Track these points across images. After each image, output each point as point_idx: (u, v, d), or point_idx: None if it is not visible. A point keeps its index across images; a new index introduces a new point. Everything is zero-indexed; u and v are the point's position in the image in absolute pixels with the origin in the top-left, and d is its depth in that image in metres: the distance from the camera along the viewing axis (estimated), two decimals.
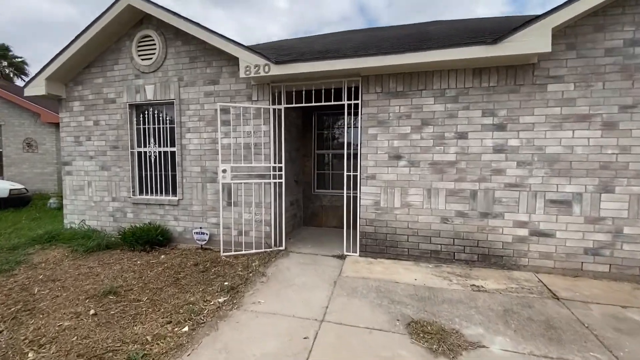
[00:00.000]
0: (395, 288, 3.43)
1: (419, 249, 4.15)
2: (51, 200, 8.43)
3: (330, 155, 6.34)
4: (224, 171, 4.35)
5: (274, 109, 4.58)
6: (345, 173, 4.44)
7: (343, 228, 5.99)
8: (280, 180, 4.66)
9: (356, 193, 5.59)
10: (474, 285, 3.52)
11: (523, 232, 3.83)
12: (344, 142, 6.28)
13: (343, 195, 5.98)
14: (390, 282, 3.57)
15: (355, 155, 5.66)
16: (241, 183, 4.62)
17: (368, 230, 4.33)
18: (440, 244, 4.09)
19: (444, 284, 3.55)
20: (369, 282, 3.57)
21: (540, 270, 3.82)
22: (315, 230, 6.03)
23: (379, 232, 4.29)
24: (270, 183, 4.63)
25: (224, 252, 4.51)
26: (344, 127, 6.25)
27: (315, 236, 5.61)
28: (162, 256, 4.54)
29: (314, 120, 6.23)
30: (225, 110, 4.70)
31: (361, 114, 4.26)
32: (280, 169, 4.69)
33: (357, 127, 5.74)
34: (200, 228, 4.95)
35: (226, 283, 3.56)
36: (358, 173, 4.33)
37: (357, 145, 5.54)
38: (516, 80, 3.74)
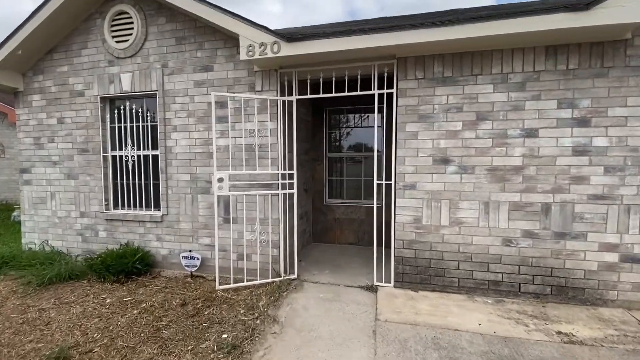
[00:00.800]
0: (459, 340, 2.50)
1: (473, 279, 3.24)
2: (15, 213, 7.29)
3: (345, 159, 5.41)
4: (220, 180, 3.37)
5: (284, 102, 3.64)
6: (375, 181, 3.50)
7: (360, 245, 5.07)
8: (291, 191, 3.70)
9: (381, 204, 4.67)
10: (560, 332, 2.61)
11: (612, 257, 2.95)
12: (361, 144, 5.37)
13: (360, 206, 5.06)
14: (448, 330, 2.63)
15: (381, 158, 4.75)
16: (242, 195, 3.64)
17: (406, 255, 3.40)
18: (502, 273, 3.18)
19: (520, 331, 2.63)
20: (420, 331, 2.62)
21: (633, 307, 2.94)
22: (328, 249, 5.07)
23: (420, 257, 3.36)
24: (278, 194, 3.67)
25: (220, 283, 3.51)
26: (361, 125, 5.33)
27: (330, 257, 4.65)
28: (141, 290, 3.52)
29: (325, 117, 5.30)
30: (221, 104, 3.73)
31: (397, 107, 3.34)
32: (291, 176, 3.74)
33: (380, 127, 4.86)
34: (190, 251, 3.95)
35: (225, 336, 2.58)
36: (393, 181, 3.41)
37: (381, 148, 4.70)
38: (604, 61, 2.88)
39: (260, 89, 3.66)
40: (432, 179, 3.28)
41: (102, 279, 3.72)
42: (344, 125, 5.43)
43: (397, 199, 3.39)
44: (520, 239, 3.11)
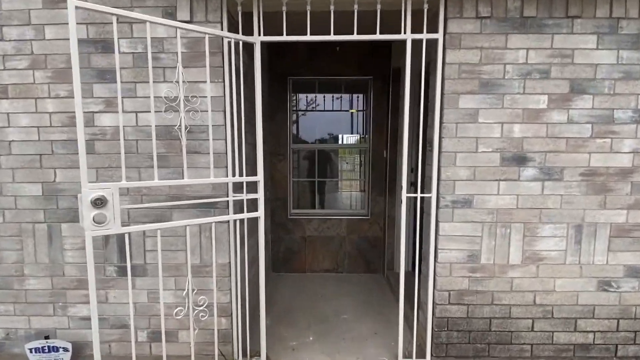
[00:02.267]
0: None
1: (553, 344, 2.08)
2: None
3: (318, 153, 3.87)
4: (99, 202, 1.51)
5: (238, 45, 1.90)
6: (404, 194, 2.04)
7: (340, 272, 3.63)
8: (253, 214, 2.02)
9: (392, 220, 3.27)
10: None
11: None
12: (342, 132, 3.89)
13: (340, 219, 3.62)
14: None
15: (387, 157, 3.36)
16: (155, 226, 1.83)
17: (453, 314, 2.07)
18: (593, 332, 2.08)
19: None
20: None
21: None
22: (297, 283, 3.51)
23: (476, 317, 2.07)
24: (228, 221, 1.98)
25: None
26: (342, 109, 3.83)
27: (305, 299, 3.11)
28: None
29: (289, 91, 3.64)
30: (104, 44, 1.85)
31: (443, 66, 1.93)
32: (253, 187, 2.05)
33: (370, 109, 3.39)
34: (47, 337, 2.01)
35: None
36: (433, 195, 2.02)
37: (369, 135, 3.23)
38: None
39: (188, 18, 1.88)
40: (498, 189, 1.99)
41: None
42: (316, 105, 3.86)
43: (439, 224, 2.02)
44: (623, 279, 2.04)
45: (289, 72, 3.53)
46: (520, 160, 1.96)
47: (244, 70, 1.94)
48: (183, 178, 1.71)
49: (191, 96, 1.91)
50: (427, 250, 2.09)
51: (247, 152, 2.23)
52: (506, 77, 1.92)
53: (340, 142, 3.91)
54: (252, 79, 2.02)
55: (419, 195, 2.02)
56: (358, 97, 3.99)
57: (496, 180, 1.98)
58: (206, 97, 1.77)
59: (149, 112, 1.69)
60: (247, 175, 2.01)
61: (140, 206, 1.89)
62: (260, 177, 1.97)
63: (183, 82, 1.76)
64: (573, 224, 2.00)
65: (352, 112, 4.20)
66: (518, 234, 2.01)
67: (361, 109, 4.12)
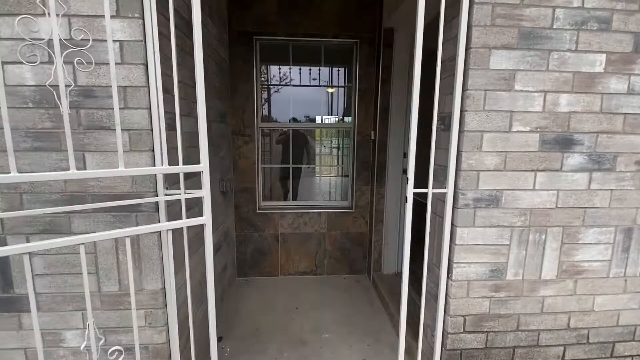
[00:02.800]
0: None
1: None
2: None
3: (292, 134, 3.22)
4: None
5: None
6: (410, 189, 1.48)
7: (320, 274, 3.05)
8: (196, 221, 1.38)
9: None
10: None
11: None
12: (320, 107, 3.27)
13: (319, 212, 3.07)
14: None
15: (380, 141, 2.79)
16: (43, 245, 1.15)
17: (469, 345, 1.59)
18: (631, 356, 1.69)
19: None
20: None
21: None
22: (268, 289, 2.95)
23: (495, 347, 1.60)
24: (159, 231, 1.34)
25: None
26: (327, 74, 3.18)
27: (276, 314, 2.55)
28: None
29: (256, 57, 2.92)
30: None
31: (470, 4, 1.35)
32: (190, 179, 1.41)
33: (352, 84, 2.79)
34: None
35: None
36: (449, 191, 1.47)
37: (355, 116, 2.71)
38: None
39: None
40: (534, 182, 1.48)
41: None
42: (290, 80, 3.18)
43: (456, 230, 1.49)
44: None
45: (256, 30, 2.81)
46: (565, 143, 1.46)
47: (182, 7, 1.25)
48: (86, 168, 1.05)
49: (92, 39, 1.21)
50: (437, 263, 1.58)
51: (186, 134, 1.57)
52: (554, 27, 1.38)
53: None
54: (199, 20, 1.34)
55: (430, 191, 1.47)
56: (339, 70, 3.37)
57: (532, 170, 1.47)
58: (116, 40, 1.08)
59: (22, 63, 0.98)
60: (188, 164, 1.36)
61: (18, 214, 1.20)
62: (204, 166, 1.32)
63: (71, 16, 1.05)
64: (622, 227, 1.55)
65: (331, 92, 3.61)
66: (555, 241, 1.53)
67: (343, 84, 3.52)
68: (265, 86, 3.19)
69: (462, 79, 1.39)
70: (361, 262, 3.21)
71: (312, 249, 3.16)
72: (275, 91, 3.32)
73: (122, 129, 1.19)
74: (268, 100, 3.41)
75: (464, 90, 1.40)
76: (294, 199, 3.31)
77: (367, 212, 3.13)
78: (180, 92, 1.28)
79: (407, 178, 1.45)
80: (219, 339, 2.17)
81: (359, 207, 3.12)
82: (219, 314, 2.46)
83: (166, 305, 1.46)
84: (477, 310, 1.56)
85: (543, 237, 1.52)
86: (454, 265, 1.52)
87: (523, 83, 1.40)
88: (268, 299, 2.76)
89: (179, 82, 1.26)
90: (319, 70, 3.18)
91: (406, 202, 1.47)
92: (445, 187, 1.48)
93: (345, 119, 3.45)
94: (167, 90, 1.40)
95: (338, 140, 3.67)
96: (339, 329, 2.34)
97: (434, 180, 1.47)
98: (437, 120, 1.50)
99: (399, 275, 2.95)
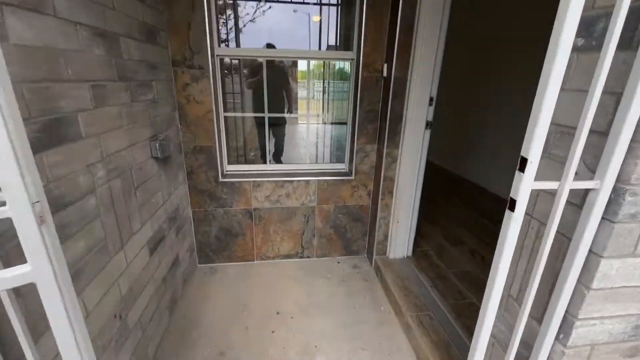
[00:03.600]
0: None
1: None
2: None
3: (265, 68, 2.22)
4: None
5: None
6: (528, 179, 0.68)
7: (308, 257, 2.34)
8: (15, 283, 0.55)
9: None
10: None
11: None
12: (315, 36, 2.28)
13: (308, 180, 2.27)
14: None
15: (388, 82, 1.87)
16: None
17: None
18: None
19: None
20: None
21: None
22: (239, 280, 2.23)
23: None
24: None
25: None
26: None
27: (248, 324, 1.87)
28: None
29: None
30: None
31: None
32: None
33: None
34: None
35: None
36: (606, 186, 0.68)
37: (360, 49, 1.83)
38: None
39: None
40: None
41: None
42: None
43: (599, 262, 0.73)
44: None
45: None
46: None
47: None
48: None
49: None
50: (518, 298, 0.85)
51: None
52: None
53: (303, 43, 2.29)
54: None
55: (568, 184, 0.67)
56: None
57: None
58: None
59: None
60: None
61: None
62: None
63: None
64: None
65: (318, 20, 2.64)
66: None
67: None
68: None
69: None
70: (360, 241, 2.52)
71: (297, 227, 2.41)
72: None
73: None
74: (233, 17, 2.37)
75: None
76: (275, 161, 2.45)
77: (371, 180, 2.34)
78: None
79: (522, 160, 0.64)
80: None
81: (360, 172, 2.31)
82: (167, 335, 1.75)
83: None
84: None
85: None
86: (577, 322, 0.80)
87: None
88: (239, 298, 2.05)
89: None
90: None
91: (509, 208, 0.68)
92: (594, 179, 0.68)
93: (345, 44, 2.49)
94: None
95: (332, 81, 2.73)
96: (337, 345, 1.70)
97: (546, 163, 0.66)
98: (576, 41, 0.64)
99: (409, 259, 2.30)
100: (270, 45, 2.32)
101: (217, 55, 2.01)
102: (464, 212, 3.22)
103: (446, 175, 4.41)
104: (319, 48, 2.67)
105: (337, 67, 2.83)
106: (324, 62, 2.80)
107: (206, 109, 2.01)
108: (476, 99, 3.81)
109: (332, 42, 2.66)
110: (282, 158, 3.14)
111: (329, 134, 2.88)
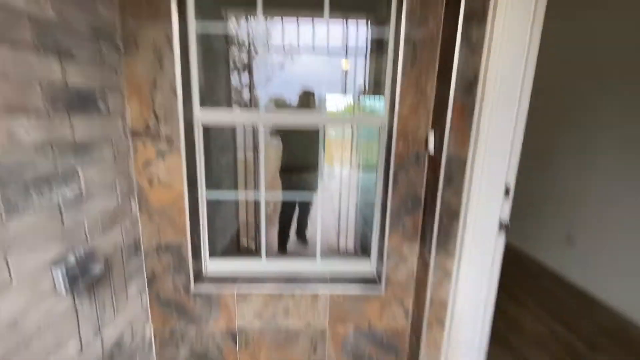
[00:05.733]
0: None
1: None
2: None
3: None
4: None
5: None
6: None
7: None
8: None
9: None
10: None
11: None
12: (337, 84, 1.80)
13: (314, 291, 1.53)
14: None
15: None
16: None
17: None
18: None
19: None
20: None
21: None
22: None
23: None
24: None
25: None
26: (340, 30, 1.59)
27: None
28: None
29: None
30: None
31: None
32: None
33: None
34: None
35: None
36: None
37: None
38: None
39: None
40: None
41: None
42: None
43: None
44: None
45: None
46: None
47: None
48: None
49: None
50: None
51: None
52: None
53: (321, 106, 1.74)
54: None
55: None
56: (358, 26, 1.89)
57: None
58: None
59: None
60: None
61: None
62: None
63: None
64: None
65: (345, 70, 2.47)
66: None
67: (365, 45, 2.06)
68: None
69: None
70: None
71: (300, 357, 1.67)
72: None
73: None
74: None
75: None
76: (300, 239, 1.80)
77: (409, 293, 1.60)
78: None
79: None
80: None
81: (393, 283, 1.58)
82: None
83: None
84: None
85: None
86: None
87: None
88: None
89: None
90: (326, 25, 1.56)
91: None
92: None
93: (368, 103, 2.00)
94: None
95: (352, 148, 2.19)
96: None
97: None
98: None
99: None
100: (307, 93, 2.30)
101: (195, 119, 1.48)
102: (552, 324, 2.29)
103: (525, 263, 3.10)
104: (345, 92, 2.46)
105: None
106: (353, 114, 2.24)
107: (175, 194, 1.44)
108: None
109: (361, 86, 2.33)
110: (307, 233, 2.58)
111: (352, 214, 2.23)
